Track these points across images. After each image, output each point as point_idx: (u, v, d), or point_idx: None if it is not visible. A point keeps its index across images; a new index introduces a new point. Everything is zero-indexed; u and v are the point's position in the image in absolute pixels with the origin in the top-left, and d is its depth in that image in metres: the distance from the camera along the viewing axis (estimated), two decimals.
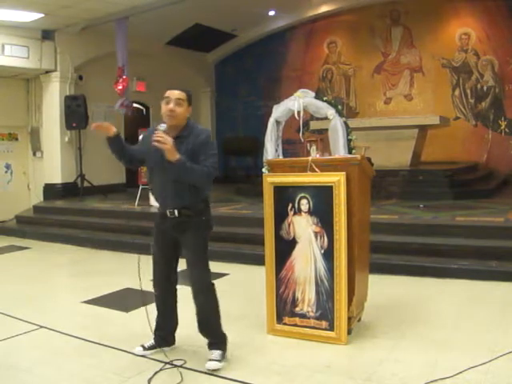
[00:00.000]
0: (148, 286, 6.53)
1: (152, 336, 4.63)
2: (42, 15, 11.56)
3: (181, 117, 4.25)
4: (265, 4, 14.61)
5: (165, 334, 4.64)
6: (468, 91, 14.26)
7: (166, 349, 4.51)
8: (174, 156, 3.98)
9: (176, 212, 4.28)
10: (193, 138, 4.24)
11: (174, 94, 4.24)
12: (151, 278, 4.52)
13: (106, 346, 4.80)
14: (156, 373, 4.14)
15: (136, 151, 4.51)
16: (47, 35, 12.92)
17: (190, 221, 4.30)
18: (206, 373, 4.16)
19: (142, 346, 4.60)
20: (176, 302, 4.67)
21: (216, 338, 4.41)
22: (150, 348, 4.59)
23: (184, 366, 4.28)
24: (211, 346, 4.38)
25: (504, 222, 7.80)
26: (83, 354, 4.67)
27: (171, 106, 4.20)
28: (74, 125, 12.88)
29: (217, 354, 4.30)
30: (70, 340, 5.01)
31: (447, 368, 4.05)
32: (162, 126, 4.11)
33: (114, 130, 4.30)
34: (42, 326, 5.38)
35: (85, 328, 5.32)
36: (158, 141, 3.96)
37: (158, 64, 15.82)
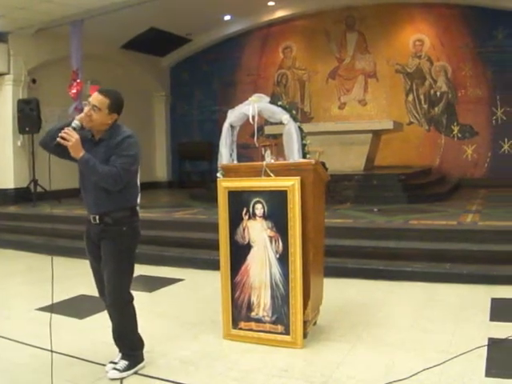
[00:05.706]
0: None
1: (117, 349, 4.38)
2: None
3: (97, 123, 4.02)
4: (220, 9, 14.64)
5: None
6: (421, 97, 14.48)
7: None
8: (77, 153, 3.84)
9: (97, 218, 4.11)
10: (112, 141, 4.04)
11: (94, 99, 4.01)
12: None
13: (60, 353, 4.71)
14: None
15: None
16: (0, 37, 12.69)
17: (109, 229, 4.11)
18: (160, 379, 4.12)
19: (113, 363, 4.27)
20: None
21: (127, 351, 4.24)
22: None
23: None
24: (121, 356, 4.23)
25: (457, 224, 7.94)
26: (37, 362, 4.57)
27: (87, 109, 4.00)
28: (27, 129, 12.69)
29: (122, 363, 4.16)
30: (23, 348, 4.92)
31: (403, 370, 4.09)
32: (75, 123, 3.93)
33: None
34: None
35: (39, 336, 5.19)
36: (62, 137, 3.80)
37: (112, 68, 15.71)
